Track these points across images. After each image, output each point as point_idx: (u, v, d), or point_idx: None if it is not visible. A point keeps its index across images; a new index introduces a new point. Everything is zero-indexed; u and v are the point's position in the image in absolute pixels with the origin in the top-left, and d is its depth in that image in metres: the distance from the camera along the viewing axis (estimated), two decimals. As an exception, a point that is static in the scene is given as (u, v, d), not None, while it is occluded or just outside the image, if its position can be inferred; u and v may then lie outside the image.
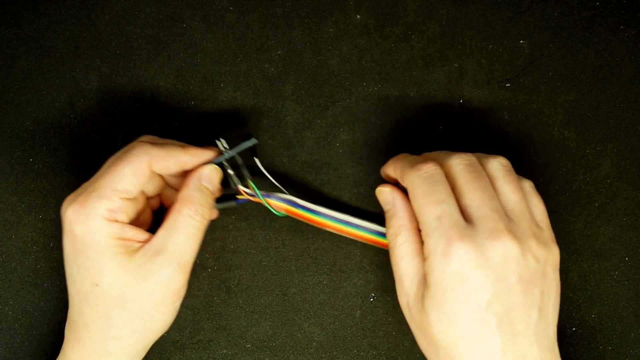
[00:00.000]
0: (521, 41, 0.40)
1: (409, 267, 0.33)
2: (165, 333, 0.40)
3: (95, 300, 0.33)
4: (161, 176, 0.37)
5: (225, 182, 0.37)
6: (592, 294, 0.40)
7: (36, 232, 0.40)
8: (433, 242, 0.31)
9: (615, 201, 0.40)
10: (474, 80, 0.40)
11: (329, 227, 0.38)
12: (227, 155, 0.36)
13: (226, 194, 0.38)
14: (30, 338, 0.40)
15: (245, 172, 0.37)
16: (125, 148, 0.35)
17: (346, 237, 0.40)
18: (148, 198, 0.37)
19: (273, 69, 0.40)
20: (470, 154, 0.34)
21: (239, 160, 0.37)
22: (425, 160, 0.34)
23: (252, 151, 0.38)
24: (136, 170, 0.33)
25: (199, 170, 0.35)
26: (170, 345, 0.40)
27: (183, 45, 0.40)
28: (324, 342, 0.40)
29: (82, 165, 0.40)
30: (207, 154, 0.36)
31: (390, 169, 0.36)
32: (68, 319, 0.35)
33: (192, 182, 0.35)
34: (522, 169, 0.40)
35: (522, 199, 0.33)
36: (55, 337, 0.40)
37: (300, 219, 0.38)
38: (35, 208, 0.40)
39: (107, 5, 0.40)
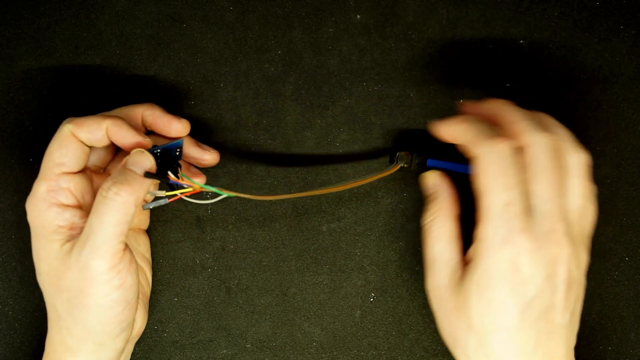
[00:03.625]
0: (521, 41, 0.40)
1: (445, 250, 0.33)
2: (165, 333, 0.40)
3: (43, 288, 0.34)
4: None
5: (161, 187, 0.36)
6: (592, 294, 0.40)
7: (36, 232, 0.40)
8: (493, 227, 0.31)
9: (615, 201, 0.40)
10: (474, 80, 0.40)
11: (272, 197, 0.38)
12: (154, 149, 0.34)
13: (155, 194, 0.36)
14: (30, 338, 0.40)
15: (175, 161, 0.36)
16: None
17: (345, 237, 0.40)
18: None
19: (273, 69, 0.40)
20: (555, 133, 0.32)
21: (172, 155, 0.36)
22: (504, 136, 0.32)
23: (175, 160, 0.36)
24: (61, 142, 0.33)
25: (125, 158, 0.34)
26: (170, 345, 0.40)
27: (183, 45, 0.40)
28: (324, 342, 0.40)
29: (82, 165, 0.40)
30: (134, 111, 0.35)
31: (459, 130, 0.33)
32: None
33: (116, 169, 0.33)
34: (522, 169, 0.40)
35: (586, 207, 0.33)
36: (55, 337, 0.40)
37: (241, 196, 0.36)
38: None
39: (107, 5, 0.40)
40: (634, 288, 0.40)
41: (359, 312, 0.40)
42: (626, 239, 0.40)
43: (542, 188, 0.31)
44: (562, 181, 0.32)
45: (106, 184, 0.31)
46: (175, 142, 0.36)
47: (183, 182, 0.35)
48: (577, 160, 0.33)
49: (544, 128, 0.32)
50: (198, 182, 0.37)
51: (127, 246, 0.33)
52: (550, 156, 0.31)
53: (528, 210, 0.31)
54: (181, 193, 0.35)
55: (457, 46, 0.40)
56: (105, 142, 0.34)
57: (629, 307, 0.40)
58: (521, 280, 0.30)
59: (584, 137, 0.40)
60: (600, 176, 0.40)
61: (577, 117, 0.40)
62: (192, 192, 0.35)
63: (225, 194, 0.36)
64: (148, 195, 0.34)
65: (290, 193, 0.39)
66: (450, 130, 0.34)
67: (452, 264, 0.33)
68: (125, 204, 0.31)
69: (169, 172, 0.34)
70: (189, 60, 0.40)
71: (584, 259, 0.33)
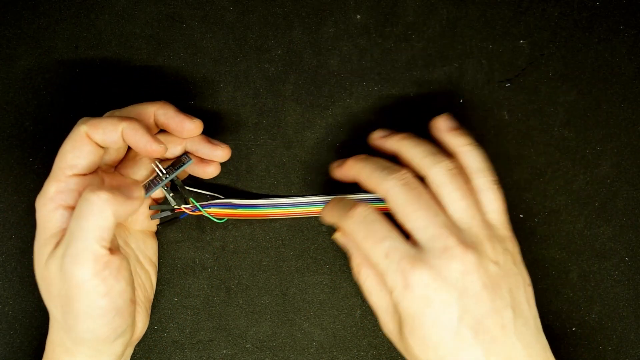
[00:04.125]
0: (521, 41, 0.40)
1: (379, 299, 0.34)
2: (165, 333, 0.40)
3: (40, 288, 0.33)
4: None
5: (165, 201, 0.38)
6: (592, 294, 0.40)
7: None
8: (390, 279, 0.32)
9: (615, 201, 0.40)
10: (474, 80, 0.40)
11: (275, 214, 0.39)
12: (165, 180, 0.36)
13: (165, 209, 0.38)
14: (30, 338, 0.40)
15: (184, 191, 0.38)
16: None
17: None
18: None
19: (273, 69, 0.40)
20: (405, 170, 0.34)
21: (178, 182, 0.37)
22: (355, 205, 0.34)
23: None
24: (75, 142, 0.32)
25: (133, 181, 0.34)
26: (170, 345, 0.40)
27: (183, 45, 0.40)
28: (324, 342, 0.40)
29: (82, 165, 0.40)
30: (147, 110, 0.35)
31: (328, 219, 0.37)
32: None
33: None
34: (522, 169, 0.40)
35: (471, 203, 0.33)
36: (55, 337, 0.40)
37: (243, 217, 0.39)
38: (35, 208, 0.40)
39: (107, 5, 0.40)
40: (634, 288, 0.40)
41: (359, 312, 0.40)
42: (626, 239, 0.40)
43: (415, 219, 0.32)
44: (429, 202, 0.33)
45: (91, 187, 0.31)
46: (184, 164, 0.36)
47: (192, 210, 0.38)
48: (441, 171, 0.34)
49: (390, 171, 0.34)
50: (210, 172, 0.38)
51: (114, 251, 0.31)
52: (405, 190, 0.33)
53: (416, 245, 0.32)
54: (190, 210, 0.38)
55: (457, 46, 0.40)
56: (120, 144, 0.33)
57: (629, 307, 0.40)
58: (439, 310, 0.31)
59: (584, 137, 0.40)
60: (600, 176, 0.40)
61: (577, 117, 0.40)
62: (196, 213, 0.38)
63: (222, 220, 0.39)
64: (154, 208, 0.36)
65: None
66: (326, 221, 0.37)
67: (390, 310, 0.34)
68: (104, 205, 0.30)
69: (178, 205, 0.38)
70: (189, 60, 0.40)
71: (501, 250, 0.33)
